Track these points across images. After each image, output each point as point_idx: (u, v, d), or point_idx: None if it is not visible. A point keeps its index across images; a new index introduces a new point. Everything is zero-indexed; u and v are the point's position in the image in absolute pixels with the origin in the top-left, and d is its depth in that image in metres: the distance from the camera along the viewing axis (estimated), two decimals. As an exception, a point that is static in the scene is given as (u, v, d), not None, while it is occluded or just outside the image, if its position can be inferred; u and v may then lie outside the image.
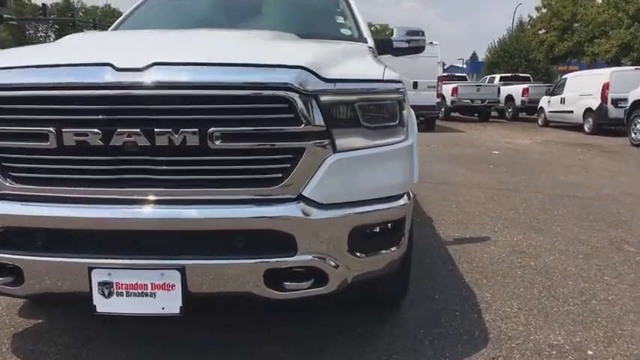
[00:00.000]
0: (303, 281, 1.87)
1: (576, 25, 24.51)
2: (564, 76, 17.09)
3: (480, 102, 18.77)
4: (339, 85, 1.85)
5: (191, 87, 1.71)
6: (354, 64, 2.13)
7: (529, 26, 29.97)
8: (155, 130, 1.70)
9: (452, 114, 19.54)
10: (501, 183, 6.41)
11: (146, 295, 1.79)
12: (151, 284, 1.79)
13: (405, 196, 2.06)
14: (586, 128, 14.50)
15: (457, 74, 29.12)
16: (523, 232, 4.23)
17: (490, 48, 35.63)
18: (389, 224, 2.02)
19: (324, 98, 1.81)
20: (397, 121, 2.04)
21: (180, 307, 1.80)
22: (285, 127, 1.76)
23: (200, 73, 1.73)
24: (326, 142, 1.82)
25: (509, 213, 4.85)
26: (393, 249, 2.05)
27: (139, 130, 1.69)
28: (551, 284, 3.10)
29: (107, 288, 1.77)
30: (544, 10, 26.73)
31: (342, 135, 1.87)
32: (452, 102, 18.70)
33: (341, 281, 1.94)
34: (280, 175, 1.79)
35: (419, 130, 10.19)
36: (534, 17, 28.44)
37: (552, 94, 16.72)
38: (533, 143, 11.72)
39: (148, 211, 1.75)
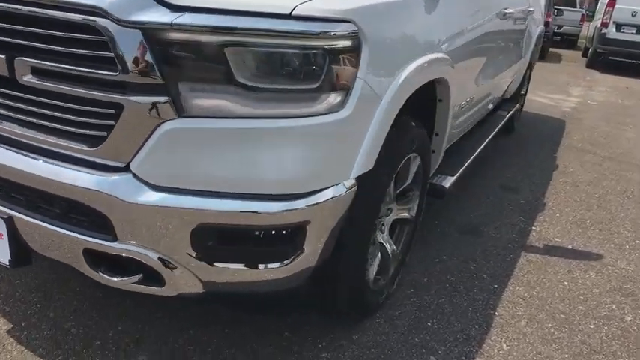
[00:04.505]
0: (127, 274, 1.45)
1: None
2: None
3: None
4: (190, 19, 1.21)
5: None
6: None
7: None
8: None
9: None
10: None
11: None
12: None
13: (308, 198, 1.40)
14: None
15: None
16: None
17: None
18: (271, 231, 1.41)
19: (163, 35, 1.22)
20: (317, 83, 1.33)
21: (10, 260, 1.56)
22: (99, 70, 1.26)
23: None
24: (161, 100, 1.26)
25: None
26: (273, 265, 1.45)
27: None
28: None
29: None
30: None
31: (196, 94, 1.28)
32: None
33: (188, 288, 1.47)
34: (104, 133, 1.32)
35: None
36: None
37: None
38: None
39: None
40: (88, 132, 1.34)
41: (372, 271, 1.94)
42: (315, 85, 1.33)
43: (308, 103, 1.35)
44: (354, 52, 1.38)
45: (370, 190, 1.67)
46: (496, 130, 3.68)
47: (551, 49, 12.16)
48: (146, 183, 1.33)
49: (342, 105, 1.39)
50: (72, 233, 1.43)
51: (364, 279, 1.81)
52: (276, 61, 1.30)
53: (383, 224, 2.10)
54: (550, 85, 7.95)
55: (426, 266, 2.52)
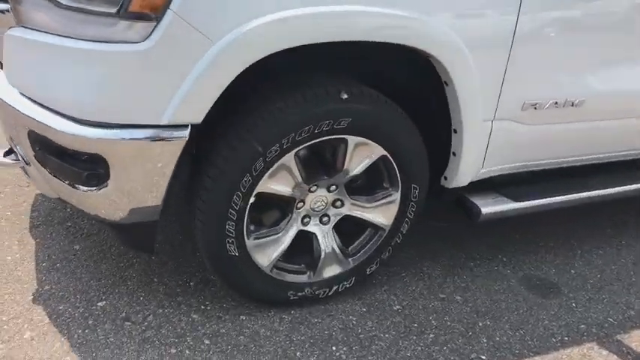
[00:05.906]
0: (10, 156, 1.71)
1: None
2: None
3: None
4: None
5: None
6: None
7: None
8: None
9: None
10: None
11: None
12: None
13: (101, 130, 1.36)
14: None
15: None
16: None
17: None
18: (74, 152, 1.43)
19: None
20: (115, 8, 1.28)
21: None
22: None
23: None
24: (7, 7, 1.42)
25: None
26: (80, 188, 1.48)
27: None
28: None
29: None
30: None
31: (24, 5, 1.40)
32: None
33: (45, 190, 1.69)
34: None
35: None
36: None
37: None
38: None
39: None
40: None
41: (262, 255, 1.69)
42: (113, 10, 1.26)
43: (106, 28, 1.28)
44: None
45: (223, 154, 1.48)
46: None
47: None
48: (12, 83, 1.52)
49: (144, 37, 1.26)
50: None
51: (225, 255, 1.60)
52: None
53: (326, 214, 1.78)
54: None
55: (419, 296, 1.98)
